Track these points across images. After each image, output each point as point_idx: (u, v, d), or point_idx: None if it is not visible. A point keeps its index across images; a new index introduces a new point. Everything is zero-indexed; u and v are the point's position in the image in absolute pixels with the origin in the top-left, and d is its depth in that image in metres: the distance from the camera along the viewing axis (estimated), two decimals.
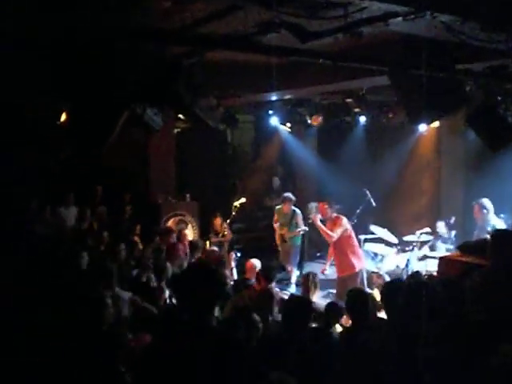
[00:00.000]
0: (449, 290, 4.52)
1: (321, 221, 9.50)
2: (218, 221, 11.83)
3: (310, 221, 10.34)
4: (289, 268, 11.17)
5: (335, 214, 9.51)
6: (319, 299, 7.63)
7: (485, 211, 9.24)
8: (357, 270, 9.41)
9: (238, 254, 10.08)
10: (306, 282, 7.35)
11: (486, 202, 9.28)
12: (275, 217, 11.87)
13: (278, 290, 7.79)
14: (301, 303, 5.39)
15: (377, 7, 4.69)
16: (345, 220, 9.46)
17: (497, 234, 5.72)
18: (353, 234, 9.57)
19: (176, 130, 12.94)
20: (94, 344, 4.89)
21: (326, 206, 9.46)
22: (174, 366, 3.37)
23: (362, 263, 9.76)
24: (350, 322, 5.10)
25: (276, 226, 11.76)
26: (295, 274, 11.36)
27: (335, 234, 9.27)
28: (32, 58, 6.07)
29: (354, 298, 5.00)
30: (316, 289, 7.30)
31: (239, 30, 5.63)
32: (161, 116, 7.24)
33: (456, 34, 5.46)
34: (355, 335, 4.63)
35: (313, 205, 12.08)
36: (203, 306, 3.48)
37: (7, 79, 6.55)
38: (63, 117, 7.71)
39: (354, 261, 9.39)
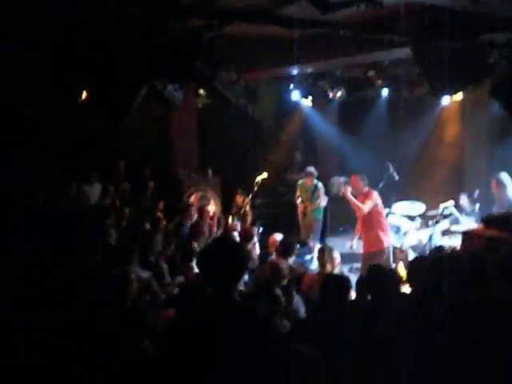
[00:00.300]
0: (473, 264, 4.46)
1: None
2: (239, 197, 11.86)
3: (335, 193, 10.30)
4: (311, 243, 11.14)
5: (367, 188, 9.38)
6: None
7: (503, 186, 9.03)
8: (384, 246, 9.29)
9: (261, 229, 10.08)
10: (322, 257, 7.34)
11: (504, 176, 9.07)
12: (298, 192, 11.88)
13: (291, 264, 7.76)
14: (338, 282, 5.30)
15: None
16: (376, 194, 9.34)
17: None
18: (383, 211, 9.52)
19: (197, 106, 12.91)
20: (119, 318, 4.96)
21: (359, 179, 9.36)
22: (196, 339, 3.39)
23: (390, 240, 9.61)
24: (369, 298, 5.04)
25: (298, 201, 11.78)
26: (316, 249, 11.35)
27: (366, 207, 9.16)
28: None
29: (373, 276, 4.92)
30: (333, 263, 7.26)
31: (259, 3, 5.60)
32: (181, 91, 7.23)
33: (479, 4, 5.37)
34: (372, 316, 4.56)
35: (337, 179, 12.07)
36: (226, 281, 3.50)
37: (8, 76, 6.59)
38: (84, 95, 7.73)
39: (383, 237, 9.29)
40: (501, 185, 9.02)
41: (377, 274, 5.01)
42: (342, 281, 5.29)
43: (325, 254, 7.28)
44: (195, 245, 7.58)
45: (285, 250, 7.61)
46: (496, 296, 4.19)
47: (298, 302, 6.19)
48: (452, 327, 3.90)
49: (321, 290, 5.23)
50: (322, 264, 7.27)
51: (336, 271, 7.24)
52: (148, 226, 8.65)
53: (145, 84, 5.71)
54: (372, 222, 9.28)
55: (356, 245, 9.97)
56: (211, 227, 9.50)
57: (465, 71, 6.71)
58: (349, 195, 9.30)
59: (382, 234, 9.28)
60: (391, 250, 9.73)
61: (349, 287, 5.24)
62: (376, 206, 9.27)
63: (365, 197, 9.28)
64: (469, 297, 4.06)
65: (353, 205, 9.36)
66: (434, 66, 6.72)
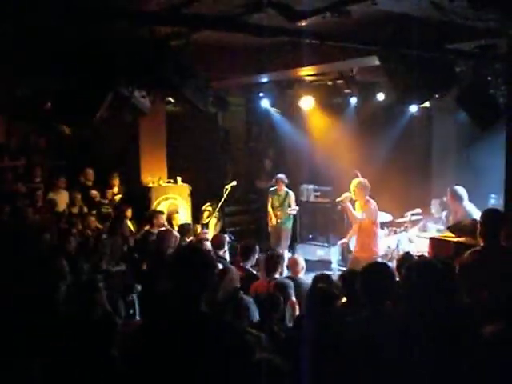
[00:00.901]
0: (442, 270, 4.48)
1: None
2: (208, 206, 11.89)
3: (304, 201, 10.46)
4: (280, 251, 11.15)
5: (367, 197, 9.42)
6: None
7: (458, 199, 8.86)
8: (374, 255, 9.29)
9: (231, 237, 10.07)
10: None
11: (459, 189, 8.91)
12: (269, 199, 11.90)
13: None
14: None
15: None
16: (374, 206, 9.40)
17: (487, 213, 5.72)
18: (378, 221, 9.57)
19: (166, 113, 12.85)
20: (88, 329, 4.89)
21: (361, 187, 9.38)
22: (163, 349, 3.36)
23: (380, 250, 9.70)
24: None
25: (269, 208, 11.82)
26: (287, 257, 11.36)
27: (359, 216, 9.31)
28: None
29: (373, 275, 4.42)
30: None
31: (226, 11, 5.59)
32: (149, 98, 7.17)
33: (445, 13, 5.43)
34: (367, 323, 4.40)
35: (306, 187, 12.18)
36: (193, 290, 3.46)
37: None
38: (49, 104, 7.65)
39: (373, 247, 9.38)
40: (456, 197, 8.88)
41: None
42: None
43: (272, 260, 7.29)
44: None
45: (245, 253, 7.64)
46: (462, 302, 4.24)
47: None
48: (426, 334, 3.92)
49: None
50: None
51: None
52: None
53: (110, 90, 5.64)
54: (369, 230, 9.37)
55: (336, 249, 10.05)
56: None
57: (431, 80, 6.76)
58: (346, 204, 9.43)
59: (373, 244, 9.38)
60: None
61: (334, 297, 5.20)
62: (371, 216, 9.33)
63: (363, 205, 9.39)
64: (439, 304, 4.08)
65: (348, 213, 9.50)
66: (401, 74, 6.76)
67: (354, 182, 9.47)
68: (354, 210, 9.42)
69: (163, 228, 9.35)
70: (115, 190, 12.06)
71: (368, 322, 4.11)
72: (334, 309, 4.97)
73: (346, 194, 9.40)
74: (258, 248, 8.06)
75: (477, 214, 8.75)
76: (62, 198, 11.19)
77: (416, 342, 3.87)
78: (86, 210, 11.14)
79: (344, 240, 10.05)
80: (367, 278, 4.32)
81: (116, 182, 12.10)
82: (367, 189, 9.40)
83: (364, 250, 9.33)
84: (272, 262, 7.25)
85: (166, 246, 8.00)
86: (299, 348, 4.44)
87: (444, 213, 10.60)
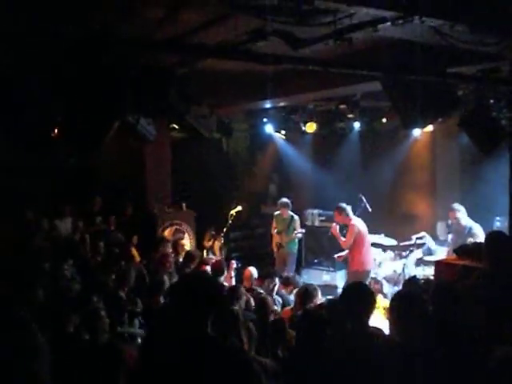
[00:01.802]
0: (438, 296, 4.52)
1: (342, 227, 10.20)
2: (207, 236, 11.90)
3: (310, 226, 10.62)
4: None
5: (349, 219, 9.96)
6: None
7: (457, 215, 9.69)
8: (364, 268, 9.86)
9: (238, 264, 10.06)
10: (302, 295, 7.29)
11: (457, 206, 9.81)
12: (274, 224, 11.90)
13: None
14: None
15: (365, 13, 4.72)
16: (356, 227, 9.88)
17: (491, 235, 5.73)
18: (365, 237, 10.03)
19: (171, 140, 12.93)
20: (92, 358, 4.87)
21: (338, 213, 10.05)
22: (171, 376, 3.35)
23: (371, 265, 10.15)
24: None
25: (274, 232, 11.81)
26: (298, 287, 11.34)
27: (347, 242, 9.89)
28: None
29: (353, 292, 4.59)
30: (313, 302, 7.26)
31: (230, 39, 5.67)
32: (154, 125, 7.26)
33: (446, 38, 5.49)
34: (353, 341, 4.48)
35: (311, 211, 12.23)
36: (200, 316, 3.47)
37: None
38: (55, 131, 7.73)
39: (362, 260, 9.89)
40: (456, 213, 9.73)
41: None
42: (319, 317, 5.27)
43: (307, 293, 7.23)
44: (164, 277, 7.55)
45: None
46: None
47: None
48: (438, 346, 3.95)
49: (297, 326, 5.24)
50: (300, 302, 7.21)
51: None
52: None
53: (117, 119, 5.71)
54: (355, 245, 9.89)
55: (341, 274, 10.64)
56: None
57: (434, 104, 6.83)
58: (334, 232, 10.15)
59: (364, 257, 9.90)
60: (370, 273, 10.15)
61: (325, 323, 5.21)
62: (358, 234, 9.85)
63: (348, 229, 9.97)
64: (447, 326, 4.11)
65: (338, 240, 10.09)
66: (404, 99, 6.83)
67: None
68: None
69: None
70: (127, 215, 12.04)
71: (351, 339, 4.24)
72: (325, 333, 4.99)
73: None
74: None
75: (477, 229, 9.10)
76: (68, 225, 11.19)
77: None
78: (87, 237, 11.07)
79: (341, 254, 10.38)
80: (347, 297, 4.51)
81: (129, 210, 12.09)
82: (344, 211, 9.97)
83: (354, 263, 9.90)
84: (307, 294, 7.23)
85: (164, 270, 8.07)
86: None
87: (449, 235, 10.61)
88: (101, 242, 9.97)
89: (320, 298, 7.31)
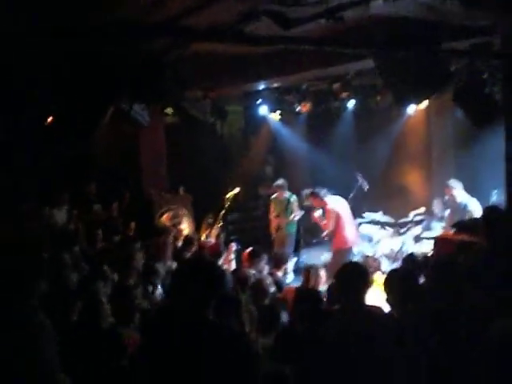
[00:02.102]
0: (439, 272, 4.55)
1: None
2: (204, 226, 11.84)
3: (307, 206, 10.64)
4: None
5: (325, 202, 10.07)
6: None
7: (453, 192, 9.84)
8: (347, 246, 10.05)
9: (238, 246, 10.05)
10: (307, 274, 7.42)
11: (453, 182, 9.95)
12: (271, 207, 11.91)
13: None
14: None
15: None
16: (333, 209, 10.03)
17: (487, 211, 5.77)
18: (343, 216, 10.10)
19: (165, 124, 12.89)
20: (95, 341, 4.90)
21: (314, 197, 10.23)
22: (174, 360, 3.38)
23: (353, 243, 10.26)
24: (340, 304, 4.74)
25: (272, 216, 11.82)
26: (292, 262, 11.37)
27: (328, 224, 10.07)
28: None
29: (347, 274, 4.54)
30: (317, 280, 7.33)
31: (222, 21, 5.64)
32: (148, 111, 7.24)
33: (438, 14, 5.48)
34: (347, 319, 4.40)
35: (308, 192, 12.20)
36: (201, 300, 3.48)
37: None
38: (49, 119, 7.70)
39: (346, 237, 10.05)
40: (452, 189, 9.88)
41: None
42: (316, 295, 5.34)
43: (311, 272, 7.37)
44: (158, 266, 7.53)
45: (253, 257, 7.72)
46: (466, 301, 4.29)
47: None
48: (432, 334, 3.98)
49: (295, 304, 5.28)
50: (306, 280, 7.34)
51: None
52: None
53: (110, 105, 5.69)
54: (335, 226, 10.03)
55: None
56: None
57: (428, 80, 6.81)
58: (315, 219, 10.36)
59: (344, 234, 10.03)
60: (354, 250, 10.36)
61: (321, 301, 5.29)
62: (336, 215, 10.01)
63: (326, 214, 10.14)
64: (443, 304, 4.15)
65: (321, 224, 10.30)
66: (398, 76, 6.81)
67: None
68: None
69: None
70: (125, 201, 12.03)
71: (346, 318, 4.25)
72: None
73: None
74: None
75: (473, 204, 9.19)
76: (64, 215, 11.15)
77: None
78: (81, 227, 11.00)
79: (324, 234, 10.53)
80: (340, 277, 4.49)
81: (127, 195, 12.07)
82: (319, 196, 10.13)
83: (336, 242, 10.14)
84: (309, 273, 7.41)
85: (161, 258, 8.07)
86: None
87: (446, 211, 10.64)
88: (99, 230, 9.94)
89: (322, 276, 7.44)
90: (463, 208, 9.47)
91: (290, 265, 11.21)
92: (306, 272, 7.54)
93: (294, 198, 11.73)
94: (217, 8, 5.55)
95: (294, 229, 11.86)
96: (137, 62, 5.95)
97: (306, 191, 11.51)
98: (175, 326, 3.51)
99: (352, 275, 4.39)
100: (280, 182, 11.84)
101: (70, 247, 8.38)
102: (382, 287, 4.69)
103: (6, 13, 4.80)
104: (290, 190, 11.88)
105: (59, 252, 7.64)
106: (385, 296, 4.63)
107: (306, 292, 5.85)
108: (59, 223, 10.75)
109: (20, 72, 6.03)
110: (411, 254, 7.30)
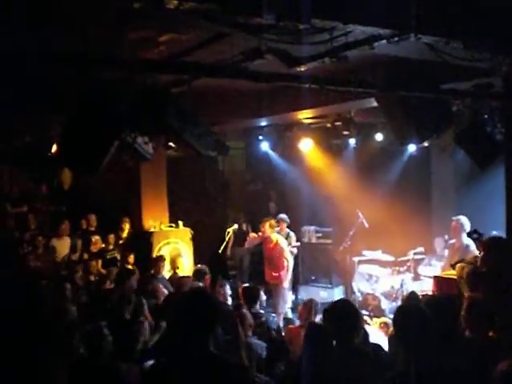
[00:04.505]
0: (434, 310, 4.52)
1: None
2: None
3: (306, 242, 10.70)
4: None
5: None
6: None
7: (462, 230, 9.03)
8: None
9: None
10: (307, 309, 7.31)
11: (465, 220, 9.12)
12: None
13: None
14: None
15: (361, 31, 4.77)
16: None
17: (491, 240, 5.79)
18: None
19: (167, 158, 12.95)
20: (96, 375, 4.87)
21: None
22: None
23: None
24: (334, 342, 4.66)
25: None
26: (290, 299, 11.33)
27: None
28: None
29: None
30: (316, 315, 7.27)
31: (226, 58, 5.70)
32: (151, 144, 7.27)
33: (440, 55, 5.54)
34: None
35: (308, 228, 12.22)
36: (201, 333, 3.47)
37: None
38: (54, 148, 7.76)
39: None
40: (461, 228, 9.05)
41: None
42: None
43: (311, 307, 7.26)
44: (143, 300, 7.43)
45: (249, 297, 7.61)
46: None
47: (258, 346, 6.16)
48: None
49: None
50: (307, 317, 7.23)
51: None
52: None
53: (115, 138, 5.73)
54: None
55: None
56: None
57: (429, 120, 6.86)
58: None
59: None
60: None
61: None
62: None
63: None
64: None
65: None
66: (400, 115, 6.85)
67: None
68: None
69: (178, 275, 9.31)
70: (125, 234, 12.05)
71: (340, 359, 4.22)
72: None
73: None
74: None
75: (473, 246, 9.00)
76: (66, 245, 11.20)
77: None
78: (86, 256, 11.11)
79: None
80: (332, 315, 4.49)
81: (126, 226, 12.10)
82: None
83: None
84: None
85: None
86: None
87: (446, 251, 10.61)
88: (99, 260, 9.97)
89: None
90: (465, 247, 9.31)
91: (289, 301, 11.18)
92: (306, 305, 7.41)
93: (292, 233, 11.81)
94: (221, 45, 5.63)
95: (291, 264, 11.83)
96: (140, 96, 6.01)
97: (307, 227, 11.53)
98: (179, 362, 3.50)
99: (342, 315, 4.37)
100: (284, 215, 11.89)
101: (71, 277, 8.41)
102: (382, 325, 4.68)
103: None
104: (290, 225, 11.91)
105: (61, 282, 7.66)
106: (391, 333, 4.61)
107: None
108: (61, 253, 10.80)
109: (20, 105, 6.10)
110: (413, 292, 7.28)
